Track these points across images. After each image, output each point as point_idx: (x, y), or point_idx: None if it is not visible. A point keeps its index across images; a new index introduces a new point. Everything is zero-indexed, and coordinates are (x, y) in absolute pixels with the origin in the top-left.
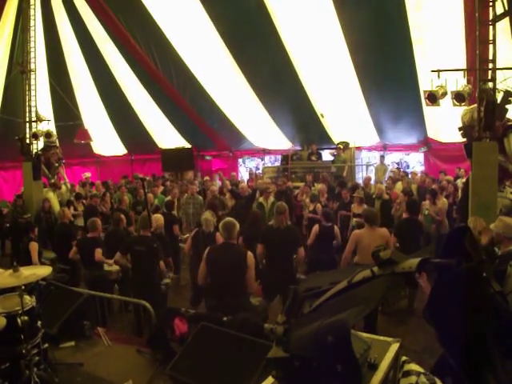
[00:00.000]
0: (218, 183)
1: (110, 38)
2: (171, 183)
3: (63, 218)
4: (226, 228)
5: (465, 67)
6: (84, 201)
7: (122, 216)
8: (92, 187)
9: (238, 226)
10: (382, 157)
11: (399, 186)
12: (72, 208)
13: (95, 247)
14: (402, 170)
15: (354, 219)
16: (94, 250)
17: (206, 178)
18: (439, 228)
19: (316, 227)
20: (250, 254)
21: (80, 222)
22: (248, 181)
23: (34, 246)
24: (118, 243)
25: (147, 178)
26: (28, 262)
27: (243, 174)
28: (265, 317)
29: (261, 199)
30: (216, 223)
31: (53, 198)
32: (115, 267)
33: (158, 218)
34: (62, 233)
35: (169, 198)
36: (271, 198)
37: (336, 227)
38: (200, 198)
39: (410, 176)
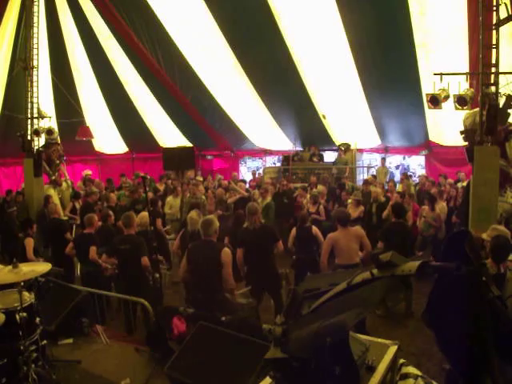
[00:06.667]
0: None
1: (114, 35)
2: (173, 181)
3: (54, 213)
4: (203, 225)
5: (467, 71)
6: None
7: (110, 212)
8: (91, 184)
9: (215, 223)
10: (384, 159)
11: (400, 188)
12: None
13: (90, 244)
14: (403, 172)
15: None
16: (89, 246)
17: (198, 178)
18: (437, 232)
19: (293, 230)
20: (225, 250)
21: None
22: (250, 180)
23: (29, 242)
24: (107, 239)
25: (148, 177)
26: (24, 258)
27: (244, 174)
28: (256, 316)
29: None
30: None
31: (53, 194)
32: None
33: (143, 216)
34: (54, 228)
35: (170, 197)
36: (268, 199)
37: (314, 228)
38: (203, 198)
39: (413, 179)
